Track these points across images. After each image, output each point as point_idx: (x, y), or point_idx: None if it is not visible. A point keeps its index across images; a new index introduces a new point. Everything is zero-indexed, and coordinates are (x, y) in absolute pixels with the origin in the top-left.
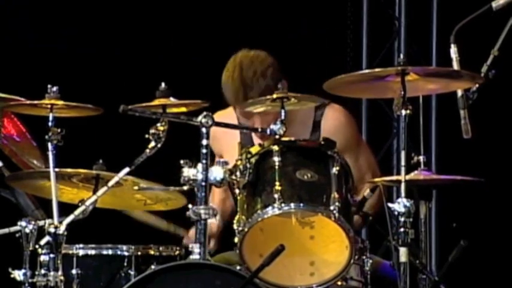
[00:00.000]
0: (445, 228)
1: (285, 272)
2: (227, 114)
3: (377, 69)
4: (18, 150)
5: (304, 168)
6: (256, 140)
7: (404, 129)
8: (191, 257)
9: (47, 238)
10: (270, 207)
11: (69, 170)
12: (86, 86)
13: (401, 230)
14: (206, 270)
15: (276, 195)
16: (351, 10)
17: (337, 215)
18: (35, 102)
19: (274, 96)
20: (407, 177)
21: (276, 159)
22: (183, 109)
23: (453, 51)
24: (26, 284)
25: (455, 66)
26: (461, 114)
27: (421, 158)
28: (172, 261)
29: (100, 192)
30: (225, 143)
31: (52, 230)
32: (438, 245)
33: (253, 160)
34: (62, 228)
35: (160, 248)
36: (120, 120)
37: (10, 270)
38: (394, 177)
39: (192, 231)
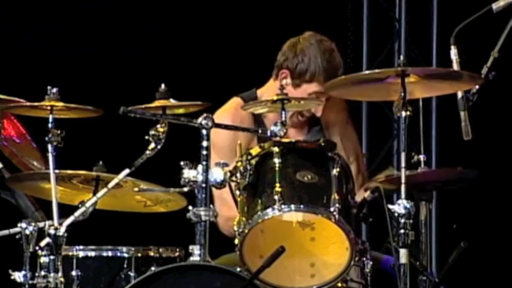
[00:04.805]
0: (446, 229)
1: (285, 273)
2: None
3: (377, 70)
4: (18, 151)
5: (304, 169)
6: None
7: (405, 131)
8: (191, 258)
9: (47, 240)
10: (270, 209)
11: (69, 171)
12: (86, 88)
13: (402, 231)
14: (206, 272)
15: (276, 197)
16: (351, 11)
17: (337, 216)
18: (35, 103)
19: (275, 98)
20: (407, 172)
21: (276, 160)
22: (182, 110)
23: (453, 52)
24: (26, 286)
25: (456, 67)
26: (461, 116)
27: (421, 157)
28: (172, 263)
29: (100, 193)
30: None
31: (52, 231)
32: (438, 247)
33: (253, 162)
34: (62, 230)
35: (160, 250)
36: (120, 122)
37: (10, 271)
38: (395, 174)
39: None
